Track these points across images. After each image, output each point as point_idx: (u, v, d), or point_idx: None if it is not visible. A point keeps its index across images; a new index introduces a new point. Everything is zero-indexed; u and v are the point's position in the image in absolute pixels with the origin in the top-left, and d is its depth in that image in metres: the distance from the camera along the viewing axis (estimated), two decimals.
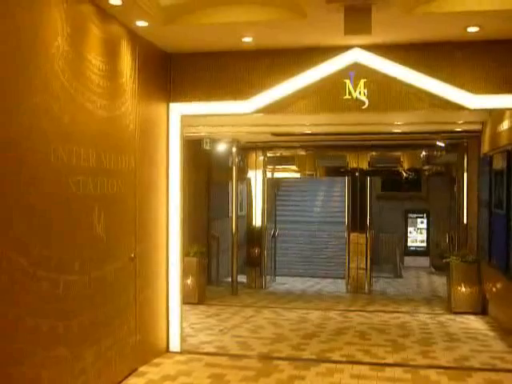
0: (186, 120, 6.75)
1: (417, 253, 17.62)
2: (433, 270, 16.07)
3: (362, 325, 8.37)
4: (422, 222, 17.94)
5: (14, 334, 3.82)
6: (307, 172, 13.84)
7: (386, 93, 6.23)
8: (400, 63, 6.11)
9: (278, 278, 13.58)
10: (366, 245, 11.96)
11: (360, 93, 6.22)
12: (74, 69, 4.54)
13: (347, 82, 6.23)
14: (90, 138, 4.84)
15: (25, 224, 3.92)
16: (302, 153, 12.95)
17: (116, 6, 4.96)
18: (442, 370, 6.06)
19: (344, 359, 6.52)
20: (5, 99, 3.72)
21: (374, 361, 6.45)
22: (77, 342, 4.62)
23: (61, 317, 4.37)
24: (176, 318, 6.65)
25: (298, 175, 14.53)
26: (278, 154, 12.97)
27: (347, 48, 6.19)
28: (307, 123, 9.00)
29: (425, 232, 17.83)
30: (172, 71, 6.60)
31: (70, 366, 4.51)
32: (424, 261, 17.10)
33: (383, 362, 6.42)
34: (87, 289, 4.79)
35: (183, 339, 6.82)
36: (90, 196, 4.85)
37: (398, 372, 6.00)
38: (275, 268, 13.65)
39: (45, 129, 4.15)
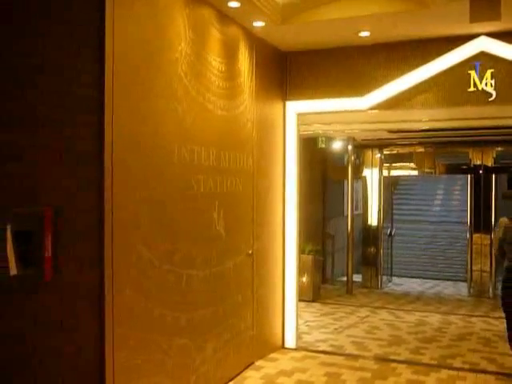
0: (303, 118, 6.77)
1: None
2: None
3: (487, 331, 7.87)
4: None
5: (142, 323, 4.06)
6: (426, 169, 13.25)
7: None
8: None
9: (395, 279, 13.17)
10: (491, 246, 11.22)
11: (487, 84, 5.85)
12: (196, 71, 4.73)
13: (472, 73, 5.88)
14: (210, 138, 5.02)
15: (151, 220, 4.15)
16: (421, 150, 12.43)
17: (234, 7, 5.09)
18: None
19: (467, 366, 6.18)
20: (135, 102, 3.97)
21: (501, 371, 6.04)
22: (198, 333, 4.81)
23: (184, 309, 4.58)
24: (292, 314, 6.70)
25: (415, 173, 13.99)
26: (395, 152, 12.58)
27: (471, 37, 5.85)
28: (426, 119, 8.62)
29: None
30: (288, 69, 6.66)
31: (192, 355, 4.72)
32: None
33: (511, 372, 5.98)
34: (208, 284, 4.98)
35: (298, 336, 6.85)
36: (211, 194, 5.02)
37: None
38: (391, 268, 13.26)
39: (169, 130, 4.37)
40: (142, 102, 4.04)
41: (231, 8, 5.10)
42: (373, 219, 11.99)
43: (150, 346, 4.16)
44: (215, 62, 5.07)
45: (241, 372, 5.69)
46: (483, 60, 5.87)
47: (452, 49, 5.97)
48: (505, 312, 6.27)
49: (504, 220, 6.11)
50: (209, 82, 4.97)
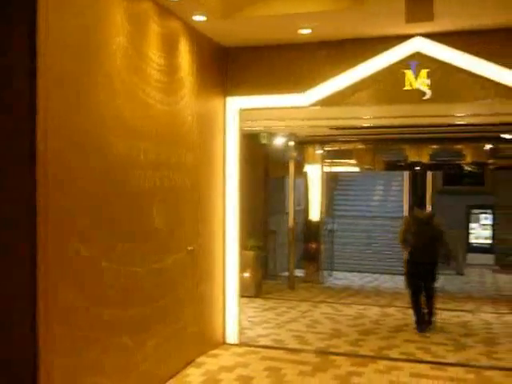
0: (244, 114, 6.77)
1: (480, 250, 16.97)
2: (497, 267, 15.45)
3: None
4: (486, 218, 17.27)
5: (79, 322, 3.95)
6: (366, 166, 13.60)
7: (449, 83, 6.01)
8: (464, 51, 5.87)
9: (335, 273, 13.46)
10: None
11: (422, 83, 6.03)
12: (135, 65, 4.64)
13: (408, 72, 6.06)
14: (149, 132, 4.94)
15: (89, 216, 4.05)
16: (361, 146, 12.73)
17: (174, 1, 5.02)
18: (507, 372, 5.82)
19: (403, 357, 6.38)
20: (71, 96, 3.84)
21: (435, 359, 6.27)
22: (138, 331, 4.73)
23: (122, 306, 4.49)
24: (233, 310, 6.71)
25: (356, 169, 14.32)
26: (336, 148, 12.82)
27: (408, 37, 6.02)
28: (366, 116, 8.81)
29: (489, 228, 17.16)
30: (229, 65, 6.63)
31: (131, 353, 4.64)
32: (488, 258, 16.45)
33: (444, 361, 6.23)
34: (148, 280, 4.90)
35: (240, 332, 6.87)
36: (150, 190, 4.94)
37: (460, 372, 5.82)
38: (333, 263, 13.53)
39: (107, 124, 4.26)
40: (78, 94, 3.93)
41: (171, 1, 5.03)
42: (314, 215, 12.18)
43: (88, 345, 4.05)
44: (154, 55, 4.99)
45: (182, 369, 5.64)
46: (418, 60, 6.05)
47: (389, 48, 6.11)
48: (411, 301, 7.52)
49: (406, 216, 7.22)
50: (148, 76, 4.89)
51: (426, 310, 7.58)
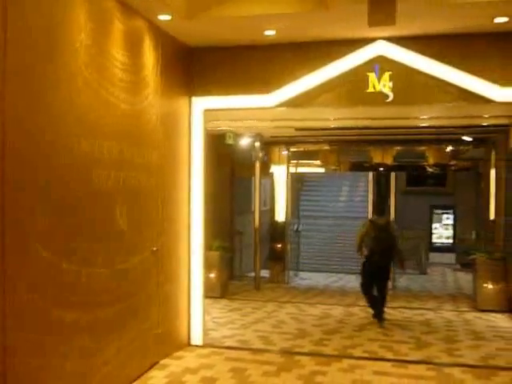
0: (210, 114, 6.75)
1: (442, 249, 17.33)
2: (458, 266, 15.81)
3: (385, 321, 8.28)
4: (447, 218, 17.64)
5: (39, 325, 3.87)
6: (331, 167, 13.73)
7: (411, 86, 6.13)
8: (425, 55, 6.01)
9: (301, 273, 13.53)
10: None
11: (384, 86, 6.13)
12: (97, 63, 4.57)
13: (371, 75, 6.15)
14: (113, 132, 4.88)
15: (49, 217, 3.97)
16: (326, 148, 12.84)
17: None
18: (467, 369, 5.96)
19: (366, 355, 6.47)
20: (30, 93, 3.77)
21: (397, 357, 6.38)
22: (100, 333, 4.66)
23: (84, 309, 4.41)
24: (198, 311, 6.68)
25: (321, 170, 14.43)
26: (302, 149, 12.90)
27: (372, 40, 6.11)
28: (331, 117, 8.89)
29: (451, 228, 17.54)
30: (194, 65, 6.61)
31: (93, 357, 4.56)
32: (449, 257, 16.81)
33: (406, 358, 6.34)
34: (110, 282, 4.84)
35: (205, 333, 6.84)
36: (113, 189, 4.88)
37: (421, 369, 5.93)
38: (298, 263, 13.60)
39: (68, 122, 4.19)
40: (39, 93, 3.85)
41: (135, 0, 4.98)
42: (280, 215, 12.23)
43: (47, 349, 3.97)
44: (118, 54, 4.93)
45: (145, 372, 5.58)
46: (381, 63, 6.15)
47: (353, 51, 6.20)
48: (366, 297, 8.13)
49: (367, 221, 7.95)
50: (111, 75, 4.82)
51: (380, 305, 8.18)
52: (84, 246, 4.42)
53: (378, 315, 8.03)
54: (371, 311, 8.20)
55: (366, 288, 8.11)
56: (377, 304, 8.06)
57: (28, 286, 3.74)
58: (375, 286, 8.03)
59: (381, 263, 7.88)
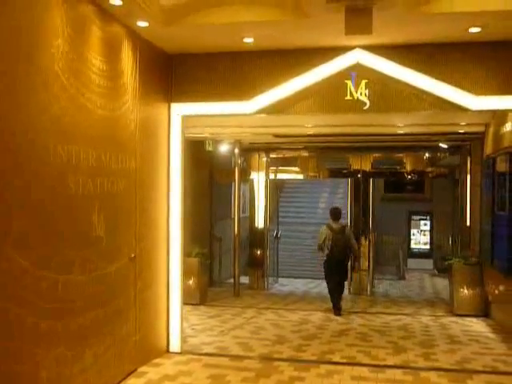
0: (189, 121, 6.76)
1: (420, 255, 17.53)
2: (436, 272, 16.00)
3: (364, 326, 8.35)
4: (425, 224, 17.85)
5: (14, 333, 3.82)
6: (310, 173, 13.82)
7: (388, 94, 6.22)
8: (401, 64, 6.11)
9: (280, 280, 13.55)
10: (369, 247, 11.93)
11: (361, 94, 6.21)
12: (74, 69, 4.55)
13: (348, 82, 6.23)
14: (90, 138, 4.85)
15: (25, 223, 3.92)
16: (305, 154, 12.93)
17: (116, 5, 4.97)
18: (442, 373, 6.04)
19: (344, 361, 6.51)
20: (5, 98, 3.73)
21: (375, 362, 6.43)
22: (76, 341, 4.61)
23: (60, 316, 4.37)
24: (176, 318, 6.65)
25: (300, 176, 14.51)
26: (281, 156, 12.96)
27: (349, 49, 6.19)
28: (309, 124, 8.99)
29: (428, 234, 17.76)
30: (173, 71, 6.61)
31: (69, 365, 4.51)
32: (427, 263, 17.00)
33: (383, 363, 6.40)
34: (87, 289, 4.79)
35: (184, 340, 6.82)
36: (90, 196, 4.85)
37: (398, 374, 5.99)
38: (277, 269, 13.62)
39: (44, 128, 4.16)
40: (13, 97, 3.81)
41: (113, 6, 4.97)
42: (259, 222, 12.25)
43: (22, 357, 3.92)
44: (96, 60, 4.91)
45: (123, 379, 5.53)
46: (358, 71, 6.23)
47: (331, 59, 6.26)
48: (328, 286, 9.62)
49: (324, 227, 9.61)
50: (89, 81, 4.80)
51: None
52: (61, 253, 4.38)
53: (335, 306, 9.35)
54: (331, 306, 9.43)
55: (328, 278, 9.59)
56: (334, 294, 9.46)
57: (2, 293, 3.69)
58: (335, 278, 9.46)
59: (338, 258, 9.41)
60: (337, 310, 9.32)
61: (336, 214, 9.72)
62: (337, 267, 9.46)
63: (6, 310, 3.72)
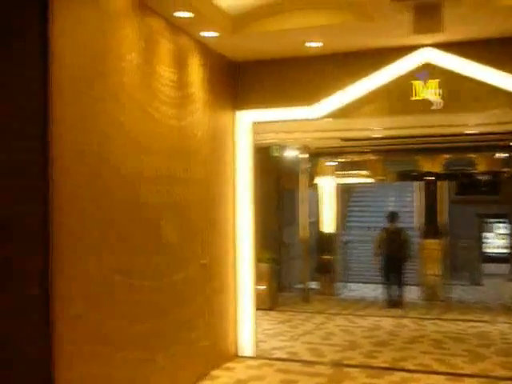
0: (255, 127, 6.82)
1: (496, 259, 16.76)
2: None
3: (438, 333, 8.09)
4: (502, 228, 17.08)
5: (91, 336, 3.98)
6: (378, 177, 13.53)
7: (459, 92, 6.03)
8: (473, 60, 5.89)
9: (350, 285, 13.36)
10: (441, 251, 11.55)
11: (431, 94, 6.05)
12: (145, 81, 4.71)
13: (416, 83, 6.08)
14: (159, 148, 5.00)
15: (101, 231, 4.10)
16: (373, 158, 12.69)
17: (185, 18, 5.11)
18: None
19: (419, 368, 6.33)
20: (79, 113, 3.91)
21: (452, 371, 6.21)
22: (149, 345, 4.74)
23: (134, 320, 4.51)
24: (248, 323, 6.71)
25: (368, 180, 14.25)
26: (348, 160, 12.79)
27: (417, 48, 6.05)
28: (377, 127, 8.83)
29: (506, 238, 16.95)
30: (239, 79, 6.71)
31: (142, 368, 4.65)
32: (504, 268, 16.24)
33: (461, 372, 6.17)
34: (159, 294, 4.93)
35: (255, 344, 6.86)
36: (161, 204, 4.99)
37: (476, 383, 5.75)
38: (347, 274, 13.45)
39: (116, 140, 4.32)
40: (87, 112, 3.98)
41: (181, 18, 5.11)
42: (328, 227, 12.15)
43: (98, 359, 4.06)
44: (165, 71, 5.07)
45: (195, 383, 5.64)
46: (428, 70, 6.07)
47: (398, 59, 6.15)
48: (384, 281, 10.62)
49: (379, 233, 10.66)
50: (158, 92, 4.96)
51: (397, 293, 10.51)
52: (134, 259, 4.53)
53: (390, 301, 10.23)
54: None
55: (385, 275, 10.59)
56: (391, 291, 10.37)
57: (82, 298, 3.87)
58: (393, 275, 10.44)
59: (394, 256, 10.36)
60: (391, 304, 10.14)
61: (391, 216, 10.73)
62: (393, 265, 10.31)
63: (84, 313, 3.89)
